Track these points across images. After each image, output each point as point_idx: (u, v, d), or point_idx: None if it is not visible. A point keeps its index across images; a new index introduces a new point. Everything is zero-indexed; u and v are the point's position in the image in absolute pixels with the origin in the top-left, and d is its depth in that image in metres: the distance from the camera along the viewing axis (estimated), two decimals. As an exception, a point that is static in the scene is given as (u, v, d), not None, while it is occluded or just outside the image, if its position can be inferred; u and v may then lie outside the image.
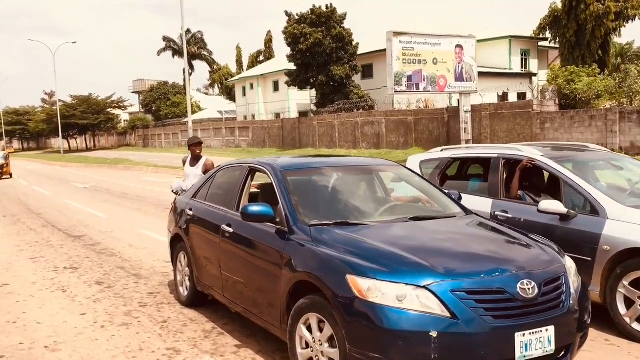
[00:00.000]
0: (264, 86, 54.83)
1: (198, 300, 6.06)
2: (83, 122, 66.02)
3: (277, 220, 4.44)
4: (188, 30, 67.96)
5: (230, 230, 5.03)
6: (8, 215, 14.96)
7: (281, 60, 56.18)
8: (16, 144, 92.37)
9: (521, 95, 38.88)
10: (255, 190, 5.74)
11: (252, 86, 56.33)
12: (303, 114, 48.45)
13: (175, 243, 6.44)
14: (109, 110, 69.92)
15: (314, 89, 43.50)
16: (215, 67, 76.93)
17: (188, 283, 6.14)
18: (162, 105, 66.88)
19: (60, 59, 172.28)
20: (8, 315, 6.10)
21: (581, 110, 25.58)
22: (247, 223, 4.78)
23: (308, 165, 5.37)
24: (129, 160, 38.14)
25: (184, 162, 8.26)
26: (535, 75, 42.12)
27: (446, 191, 5.17)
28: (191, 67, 69.91)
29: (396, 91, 28.00)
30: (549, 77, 32.32)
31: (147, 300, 6.46)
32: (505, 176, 5.90)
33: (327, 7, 39.46)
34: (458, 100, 31.74)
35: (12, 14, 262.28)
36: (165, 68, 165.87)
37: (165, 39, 71.46)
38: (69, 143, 74.56)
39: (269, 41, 69.32)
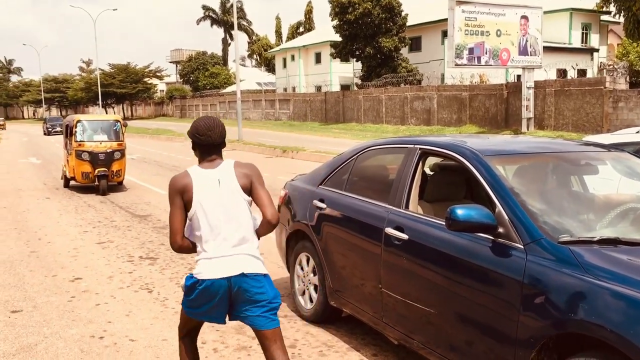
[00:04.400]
0: (306, 58, 53.19)
1: (328, 316, 4.78)
2: (121, 90, 65.44)
3: (500, 231, 3.08)
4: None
5: (404, 237, 3.69)
6: (60, 187, 13.93)
7: (322, 31, 54.48)
8: (54, 111, 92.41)
9: (581, 72, 36.63)
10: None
11: (293, 58, 54.74)
12: (345, 87, 46.88)
13: (294, 241, 5.13)
14: (146, 79, 69.15)
15: (358, 62, 41.78)
16: (254, 37, 75.44)
17: (313, 293, 4.86)
18: (200, 76, 65.82)
19: (99, 27, 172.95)
20: (91, 327, 4.87)
21: (662, 89, 23.59)
22: (436, 230, 3.45)
23: (516, 150, 3.94)
24: (170, 130, 37.11)
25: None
26: (597, 50, 39.71)
27: None
28: (230, 37, 68.50)
29: (457, 64, 26.25)
30: (619, 53, 30.21)
31: (255, 310, 5.19)
32: None
33: (376, -24, 37.55)
34: (519, 75, 29.79)
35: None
36: (203, 38, 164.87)
37: (204, 7, 70.32)
38: (106, 112, 74.15)
39: (309, 12, 67.63)
